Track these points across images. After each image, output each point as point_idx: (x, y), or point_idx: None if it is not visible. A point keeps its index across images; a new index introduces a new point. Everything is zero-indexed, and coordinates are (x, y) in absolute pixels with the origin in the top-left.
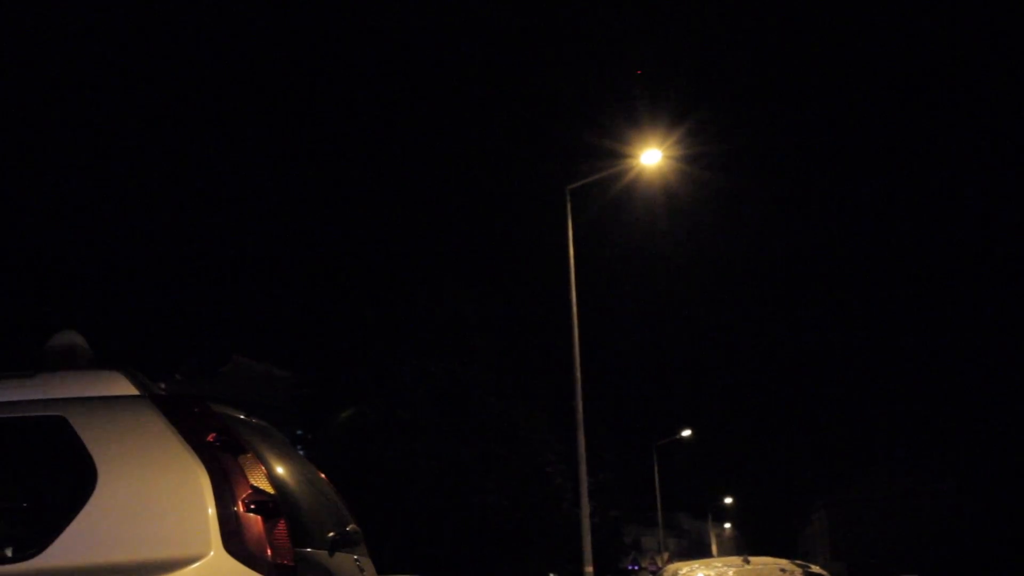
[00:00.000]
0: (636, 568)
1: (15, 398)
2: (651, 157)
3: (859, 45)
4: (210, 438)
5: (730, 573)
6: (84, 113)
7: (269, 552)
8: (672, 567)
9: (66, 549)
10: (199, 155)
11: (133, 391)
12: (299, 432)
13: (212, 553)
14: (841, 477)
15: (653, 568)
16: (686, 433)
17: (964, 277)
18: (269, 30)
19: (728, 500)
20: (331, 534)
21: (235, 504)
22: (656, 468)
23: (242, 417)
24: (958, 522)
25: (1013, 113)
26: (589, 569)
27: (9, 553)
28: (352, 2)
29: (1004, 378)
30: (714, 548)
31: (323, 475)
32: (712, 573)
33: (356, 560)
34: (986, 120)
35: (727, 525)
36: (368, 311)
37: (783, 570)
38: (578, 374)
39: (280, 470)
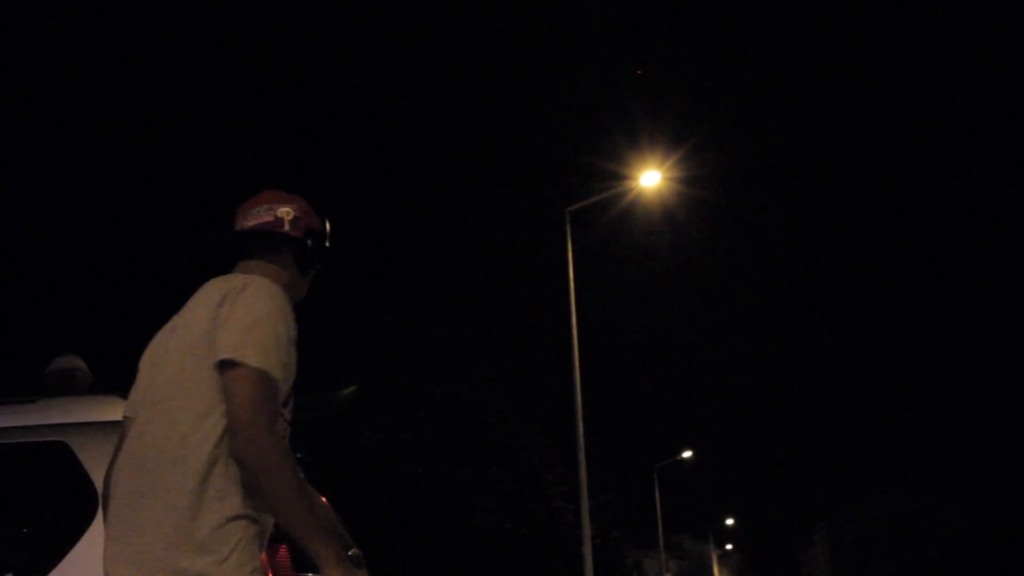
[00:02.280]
0: None
1: (16, 424)
2: (650, 179)
3: (859, 65)
4: None
5: None
6: (77, 126)
7: None
8: None
9: (67, 574)
10: (200, 168)
11: None
12: (298, 455)
13: None
14: (842, 497)
15: None
16: (687, 454)
17: (964, 297)
18: (260, 39)
19: (730, 521)
20: None
21: None
22: (657, 490)
23: None
24: (960, 541)
25: (1011, 116)
26: None
27: None
28: (352, 13)
29: (1006, 397)
30: (715, 570)
31: (323, 498)
32: None
33: None
34: (984, 152)
35: (729, 547)
36: (368, 333)
37: None
38: (579, 395)
39: None
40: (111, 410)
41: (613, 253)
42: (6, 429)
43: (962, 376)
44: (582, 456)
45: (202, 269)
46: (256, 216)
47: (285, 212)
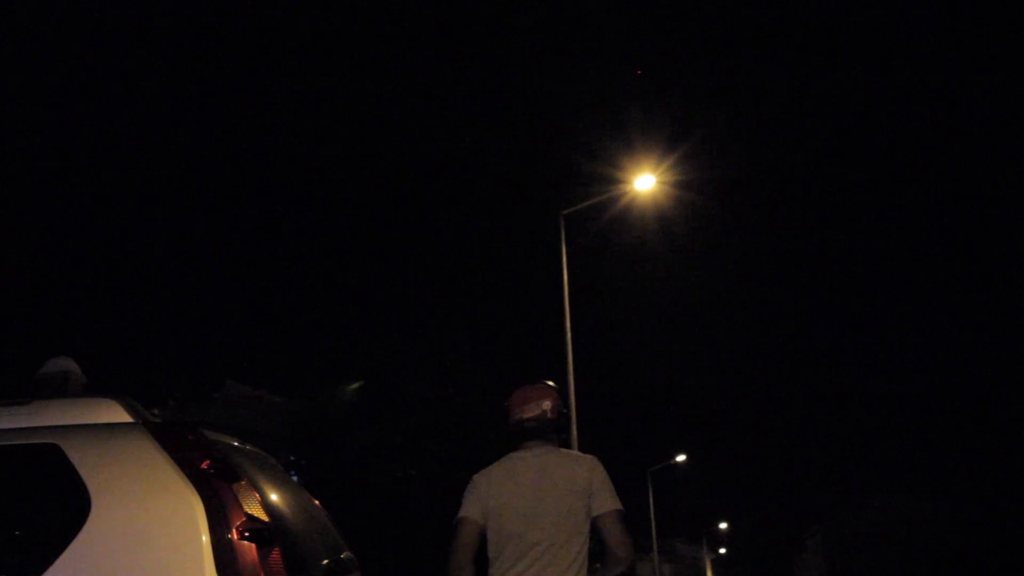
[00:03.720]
0: None
1: (8, 426)
2: (645, 182)
3: (858, 70)
4: (204, 465)
5: None
6: (70, 127)
7: None
8: None
9: None
10: (194, 174)
11: (127, 418)
12: (292, 458)
13: None
14: (837, 502)
15: None
16: (680, 458)
17: (957, 300)
18: (254, 41)
19: (723, 525)
20: (325, 561)
21: (229, 532)
22: (651, 494)
23: (236, 444)
24: (955, 546)
25: (1012, 117)
26: None
27: None
28: (347, 17)
29: (1002, 401)
30: (709, 574)
31: (317, 502)
32: None
33: None
34: (982, 161)
35: (722, 550)
36: (362, 336)
37: None
38: (572, 399)
39: (274, 497)
40: (104, 413)
41: (608, 256)
42: None
43: (957, 380)
44: None
45: (194, 280)
46: (531, 411)
47: (548, 406)
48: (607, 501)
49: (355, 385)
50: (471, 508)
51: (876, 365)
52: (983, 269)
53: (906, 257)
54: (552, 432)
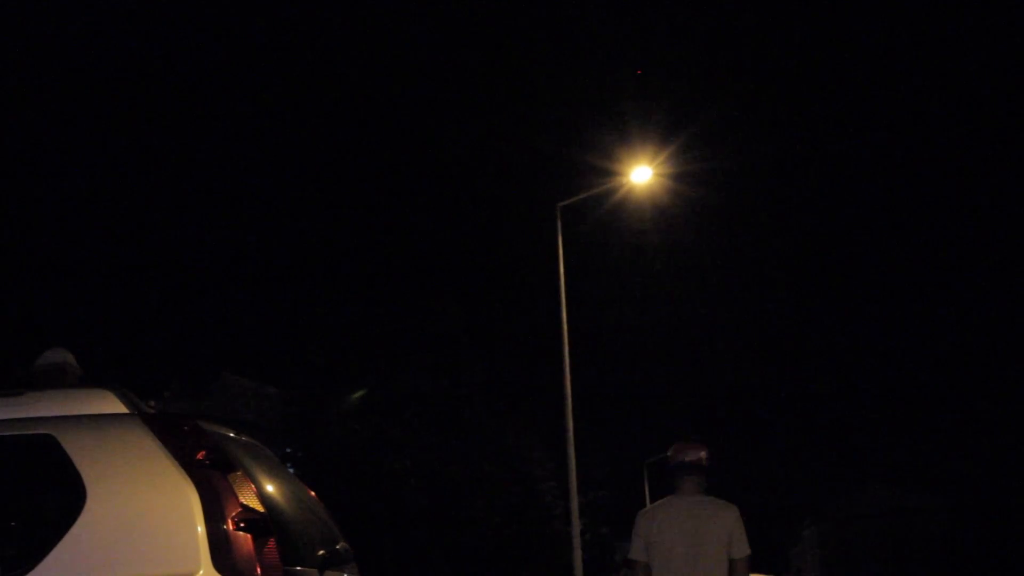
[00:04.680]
0: None
1: (3, 417)
2: (641, 175)
3: (853, 62)
4: (200, 456)
5: None
6: (70, 123)
7: (258, 570)
8: None
9: (55, 568)
10: (189, 168)
11: (122, 409)
12: (288, 449)
13: (201, 571)
14: (832, 494)
15: None
16: None
17: (957, 293)
18: (252, 38)
19: None
20: (321, 552)
21: (224, 522)
22: (646, 485)
23: (232, 435)
24: (951, 539)
25: (1009, 117)
26: None
27: None
28: (344, 12)
29: (998, 394)
30: None
31: (313, 493)
32: None
33: None
34: (977, 157)
35: None
36: (359, 328)
37: None
38: (568, 391)
39: (270, 488)
40: (99, 404)
41: (604, 249)
42: None
43: (952, 374)
44: (571, 452)
45: (190, 272)
46: (690, 456)
47: (703, 455)
48: (742, 548)
49: (358, 393)
50: (638, 551)
51: (871, 357)
52: (979, 260)
53: (902, 249)
54: (703, 474)
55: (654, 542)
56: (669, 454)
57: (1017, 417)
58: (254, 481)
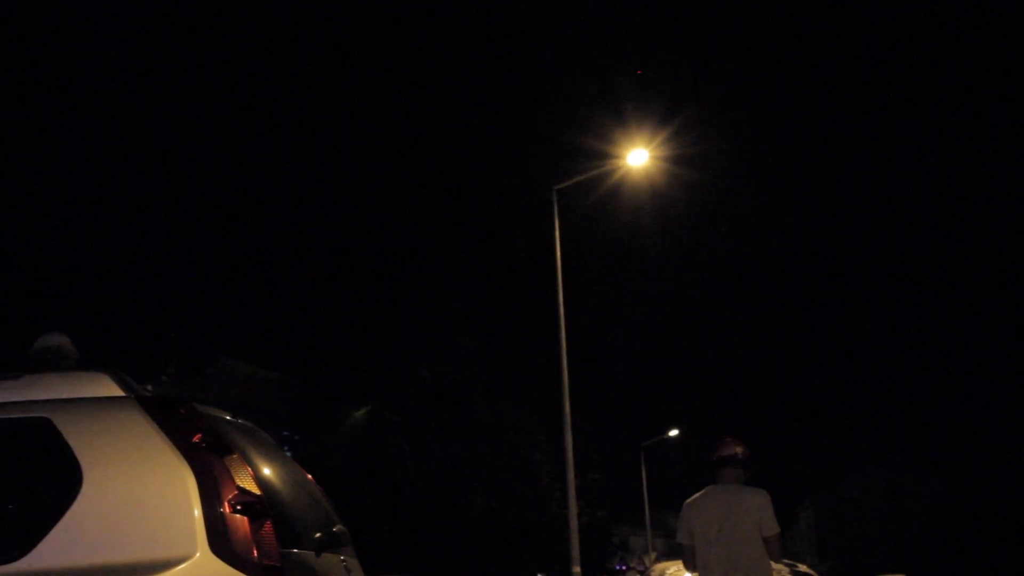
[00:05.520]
0: (624, 568)
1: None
2: (638, 157)
3: (852, 42)
4: (196, 439)
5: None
6: (69, 108)
7: (255, 553)
8: (660, 566)
9: (51, 551)
10: (185, 154)
11: (119, 392)
12: (285, 433)
13: (198, 554)
14: (828, 475)
15: (641, 568)
16: (673, 433)
17: (951, 275)
18: (250, 31)
19: None
20: (318, 535)
21: (221, 505)
22: (643, 468)
23: (228, 418)
24: (946, 521)
25: (1008, 110)
26: (577, 569)
27: None
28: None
29: (993, 376)
30: None
31: (309, 476)
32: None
33: (343, 560)
34: (980, 119)
35: None
36: (356, 312)
37: None
38: (565, 374)
39: (266, 471)
40: (95, 387)
41: (601, 232)
42: None
43: (951, 355)
44: (568, 435)
45: (187, 255)
46: (727, 451)
47: (739, 450)
48: (771, 527)
49: (361, 412)
50: (684, 535)
51: (868, 341)
52: (973, 248)
53: (899, 234)
54: (740, 467)
55: (697, 526)
56: (710, 452)
57: (1010, 401)
58: (251, 464)
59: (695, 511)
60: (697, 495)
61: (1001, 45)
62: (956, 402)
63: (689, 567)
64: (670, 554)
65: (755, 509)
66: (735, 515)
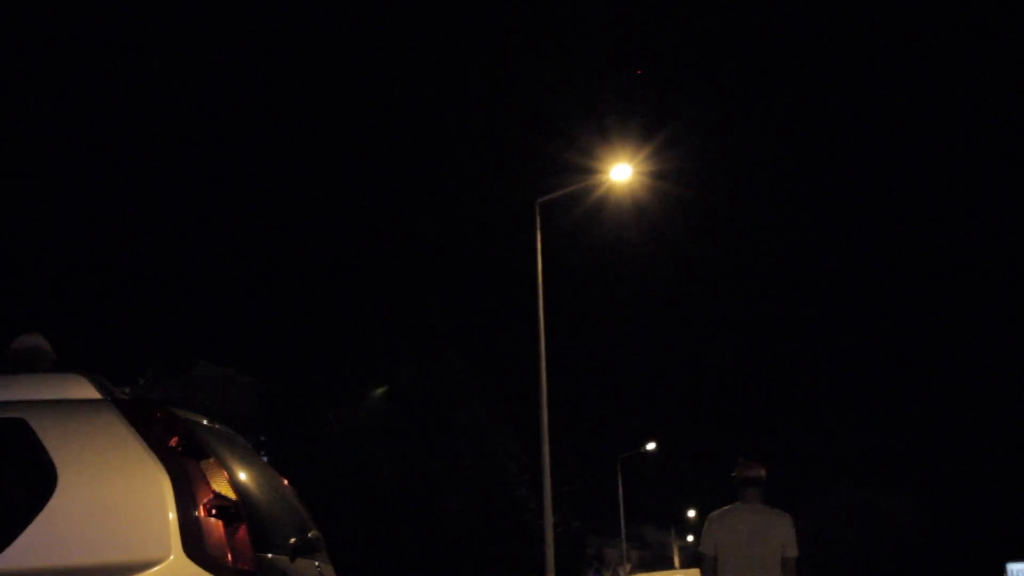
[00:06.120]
0: None
1: None
2: (621, 172)
3: (836, 55)
4: (172, 442)
5: None
6: (58, 111)
7: (230, 557)
8: None
9: (24, 552)
10: (166, 158)
11: (95, 395)
12: (262, 438)
13: (172, 557)
14: (798, 491)
15: None
16: (651, 446)
17: (920, 292)
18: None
19: (691, 513)
20: (292, 540)
21: (196, 509)
22: (620, 480)
23: (205, 422)
24: (913, 534)
25: (994, 111)
26: None
27: None
28: (326, 10)
29: (966, 390)
30: (676, 560)
31: (286, 481)
32: None
33: (317, 566)
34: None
35: (690, 538)
36: (336, 317)
37: None
38: (544, 385)
39: (242, 475)
40: (72, 389)
41: (583, 246)
42: None
43: (922, 369)
44: (546, 445)
45: (166, 260)
46: (753, 472)
47: (762, 472)
48: (793, 549)
49: (380, 390)
50: (708, 547)
51: (843, 357)
52: (950, 262)
53: (879, 250)
54: (762, 487)
55: (722, 540)
56: (735, 471)
57: (985, 418)
58: (227, 468)
59: (723, 525)
60: (724, 509)
61: (992, 44)
62: (931, 417)
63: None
64: (644, 566)
65: (783, 531)
66: (765, 535)
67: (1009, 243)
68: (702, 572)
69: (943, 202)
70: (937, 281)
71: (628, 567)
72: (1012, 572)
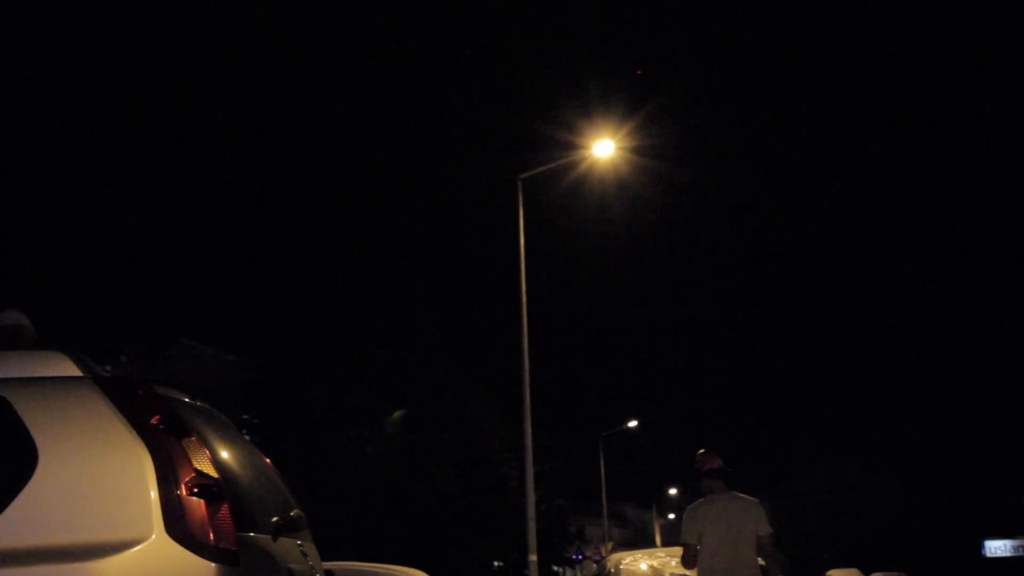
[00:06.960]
0: (581, 557)
1: None
2: (604, 148)
3: (821, 34)
4: (154, 421)
5: (672, 563)
6: (52, 99)
7: (211, 536)
8: (616, 556)
9: (5, 530)
10: (150, 140)
11: (77, 372)
12: (245, 416)
13: (154, 536)
14: (781, 472)
15: (597, 557)
16: (632, 424)
17: (903, 273)
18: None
19: (673, 491)
20: (275, 519)
21: (178, 487)
22: (602, 458)
23: (187, 400)
24: (894, 515)
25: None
26: (533, 557)
27: None
28: None
29: (948, 375)
30: (658, 538)
31: (268, 460)
32: (655, 563)
33: (300, 545)
34: (946, 111)
35: (671, 516)
36: (317, 298)
37: None
38: (526, 363)
39: (224, 454)
40: (53, 366)
41: (566, 222)
42: None
43: (906, 354)
44: (528, 424)
45: (149, 237)
46: (714, 463)
47: (721, 463)
48: (765, 527)
49: (398, 414)
50: (690, 536)
51: (825, 337)
52: (938, 248)
53: (865, 228)
54: (725, 475)
55: (704, 529)
56: (697, 463)
57: (964, 399)
58: (209, 447)
59: (703, 516)
60: (701, 501)
61: (993, 44)
62: (914, 400)
63: (688, 564)
64: (626, 544)
65: (754, 514)
66: (739, 520)
67: (986, 232)
68: (684, 561)
69: (915, 175)
70: (921, 262)
71: (610, 545)
72: (989, 549)
